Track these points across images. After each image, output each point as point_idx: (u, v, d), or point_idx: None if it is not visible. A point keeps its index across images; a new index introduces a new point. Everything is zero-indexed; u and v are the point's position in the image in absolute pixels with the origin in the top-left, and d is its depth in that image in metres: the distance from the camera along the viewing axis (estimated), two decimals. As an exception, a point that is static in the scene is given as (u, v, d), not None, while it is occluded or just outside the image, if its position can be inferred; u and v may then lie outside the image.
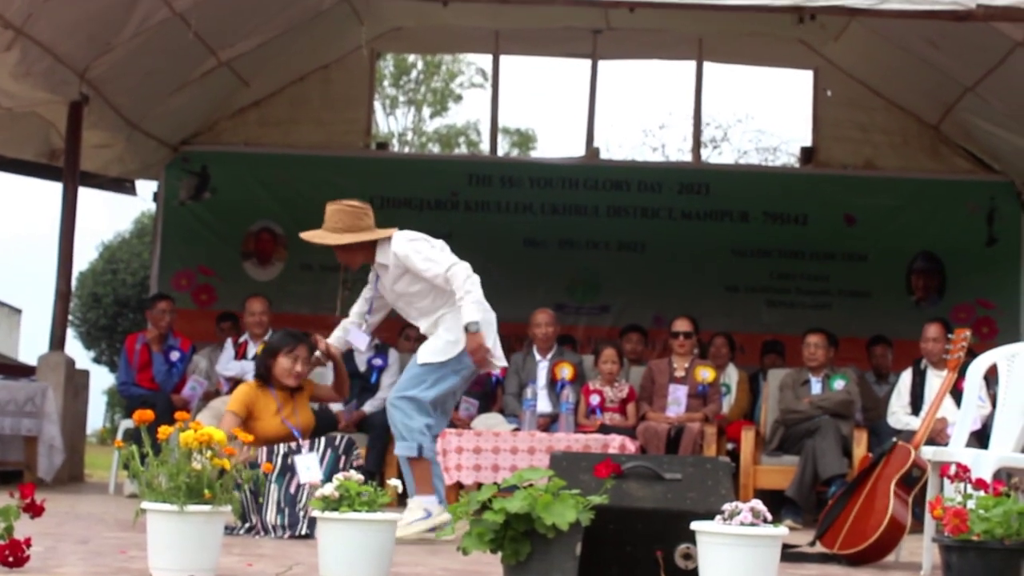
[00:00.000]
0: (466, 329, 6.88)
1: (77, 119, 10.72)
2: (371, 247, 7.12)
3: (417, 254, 6.99)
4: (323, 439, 7.19)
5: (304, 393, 7.46)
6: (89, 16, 9.90)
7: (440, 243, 7.13)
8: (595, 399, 9.78)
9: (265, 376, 7.37)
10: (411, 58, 34.39)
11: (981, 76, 11.32)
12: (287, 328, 8.07)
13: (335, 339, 7.47)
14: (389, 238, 7.08)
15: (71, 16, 9.70)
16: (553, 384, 9.93)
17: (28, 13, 9.18)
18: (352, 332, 7.46)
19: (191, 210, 13.51)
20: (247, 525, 6.90)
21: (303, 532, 6.75)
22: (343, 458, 7.01)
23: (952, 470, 5.06)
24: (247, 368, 10.21)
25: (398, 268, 7.04)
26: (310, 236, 7.20)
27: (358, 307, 7.49)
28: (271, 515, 6.89)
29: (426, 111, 36.64)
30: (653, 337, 12.22)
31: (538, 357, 10.14)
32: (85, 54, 10.30)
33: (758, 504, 4.44)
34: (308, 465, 6.98)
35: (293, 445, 7.08)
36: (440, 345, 7.00)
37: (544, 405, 9.76)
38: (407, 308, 7.21)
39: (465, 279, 6.91)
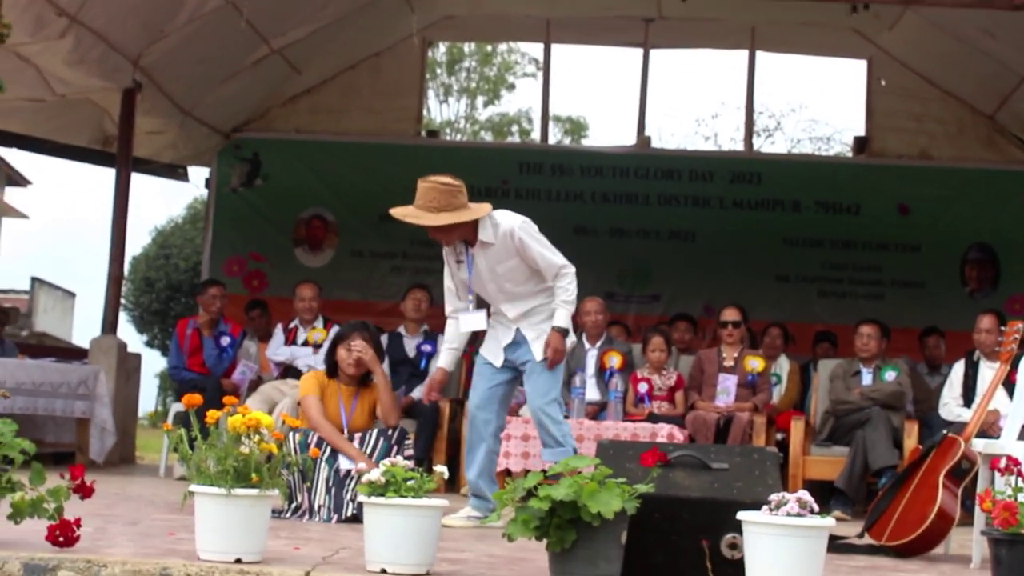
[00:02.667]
0: (556, 329, 6.88)
1: (130, 106, 10.80)
2: (471, 224, 6.93)
3: (535, 240, 6.91)
4: (375, 430, 7.21)
5: (369, 394, 7.41)
6: (142, 3, 9.98)
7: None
8: (643, 387, 9.76)
9: (331, 368, 7.40)
10: (465, 47, 34.43)
11: (1038, 66, 11.22)
12: (355, 320, 7.94)
13: (448, 363, 7.29)
14: (490, 215, 6.94)
15: (124, 4, 9.77)
16: (602, 372, 9.92)
17: (82, 1, 9.25)
18: (464, 318, 7.20)
19: (243, 196, 13.58)
20: (293, 505, 6.94)
21: (348, 515, 6.77)
22: (395, 447, 7.03)
23: (1003, 463, 5.02)
24: (297, 353, 10.28)
25: (506, 249, 6.91)
26: (403, 214, 7.02)
27: (468, 317, 7.18)
28: (319, 496, 6.93)
29: (479, 100, 36.68)
30: (703, 326, 12.18)
31: (587, 345, 10.12)
32: (138, 41, 10.37)
33: (805, 495, 4.41)
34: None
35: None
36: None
37: (593, 393, 9.74)
38: (498, 292, 7.02)
39: (573, 281, 6.93)
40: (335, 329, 10.25)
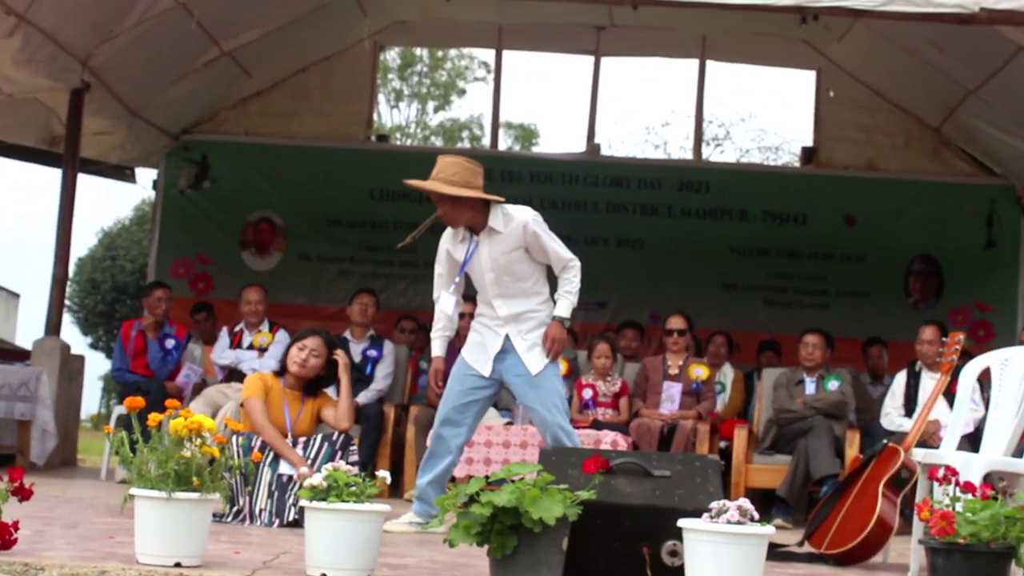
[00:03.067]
0: (557, 319, 6.83)
1: (78, 106, 10.72)
2: (482, 209, 6.84)
3: (547, 234, 6.84)
4: (320, 434, 7.19)
5: (316, 403, 7.39)
6: (92, 3, 9.91)
7: None
8: (588, 393, 9.78)
9: (281, 367, 7.39)
10: (417, 52, 34.41)
11: (984, 79, 11.31)
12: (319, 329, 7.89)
13: (443, 351, 7.13)
14: (502, 204, 6.87)
15: (74, 3, 9.70)
16: (547, 379, 9.90)
17: (31, 0, 9.18)
18: (443, 297, 7.05)
19: (190, 199, 13.51)
20: (235, 509, 6.92)
21: (289, 519, 6.76)
22: (339, 452, 7.01)
23: (941, 473, 5.07)
24: (242, 357, 10.24)
25: (514, 241, 6.79)
26: (420, 184, 6.85)
27: (447, 297, 7.04)
28: (261, 500, 6.91)
29: (430, 105, 36.67)
30: (650, 334, 12.22)
31: (533, 352, 10.10)
32: (87, 41, 10.29)
33: (745, 503, 4.45)
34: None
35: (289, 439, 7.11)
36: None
37: (538, 400, 9.73)
38: (495, 284, 6.85)
39: (578, 275, 6.90)
40: (282, 334, 10.24)
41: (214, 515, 5.47)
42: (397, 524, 6.82)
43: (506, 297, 6.87)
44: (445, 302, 7.06)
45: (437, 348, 7.14)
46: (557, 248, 6.88)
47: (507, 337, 6.89)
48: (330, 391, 7.61)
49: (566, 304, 6.87)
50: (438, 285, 7.11)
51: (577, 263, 6.93)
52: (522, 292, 6.89)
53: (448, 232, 7.03)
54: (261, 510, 6.90)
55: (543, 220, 6.92)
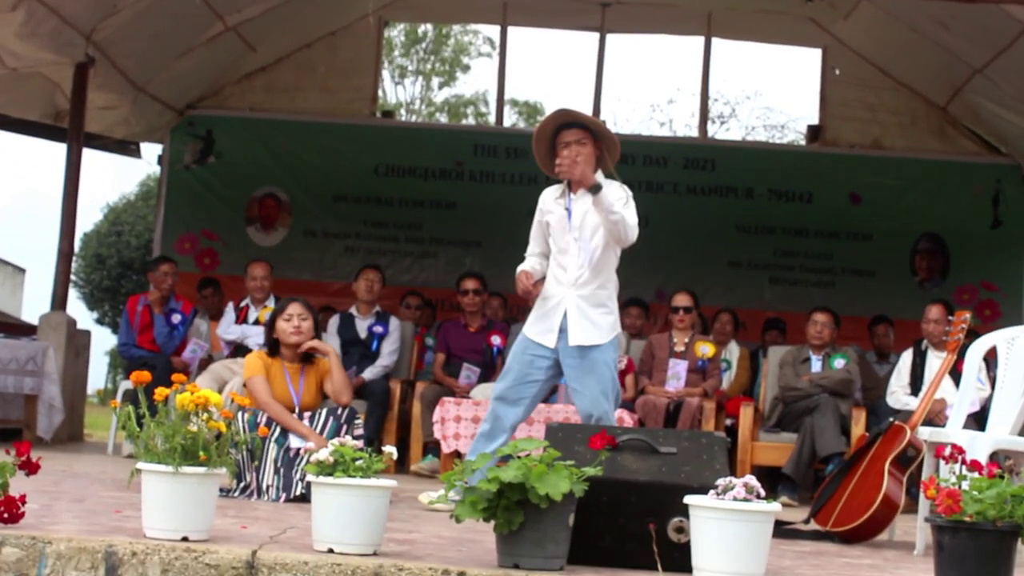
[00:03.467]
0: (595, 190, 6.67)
1: (83, 80, 10.71)
2: (593, 162, 6.79)
3: (631, 200, 6.82)
4: (324, 408, 7.20)
5: (315, 370, 7.39)
6: (96, -23, 9.89)
7: None
8: (594, 371, 9.75)
9: (273, 345, 7.37)
10: (421, 28, 34.33)
11: (990, 58, 11.28)
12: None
13: (531, 266, 6.94)
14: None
15: (78, -24, 9.69)
16: (553, 356, 9.90)
17: (35, -27, 9.18)
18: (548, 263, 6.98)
19: (195, 174, 13.50)
20: (242, 484, 6.93)
21: (296, 494, 6.77)
22: (344, 427, 7.02)
23: (947, 451, 5.07)
24: (248, 332, 10.24)
25: (603, 199, 6.67)
26: (591, 119, 6.98)
27: (539, 248, 7.02)
28: (267, 475, 6.92)
29: (435, 81, 36.61)
30: (655, 311, 12.21)
31: (539, 329, 10.11)
32: (91, 15, 10.27)
33: (752, 480, 4.45)
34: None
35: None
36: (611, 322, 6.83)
37: (544, 376, 9.72)
38: (574, 242, 6.81)
39: (633, 227, 6.84)
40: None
41: (221, 490, 5.48)
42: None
43: (579, 261, 6.85)
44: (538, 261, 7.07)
45: (524, 265, 6.99)
46: (633, 216, 6.91)
47: (565, 314, 6.78)
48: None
49: (612, 199, 6.72)
50: (533, 249, 7.13)
51: (634, 236, 6.86)
52: (597, 264, 6.88)
53: (545, 195, 7.07)
54: (268, 486, 6.91)
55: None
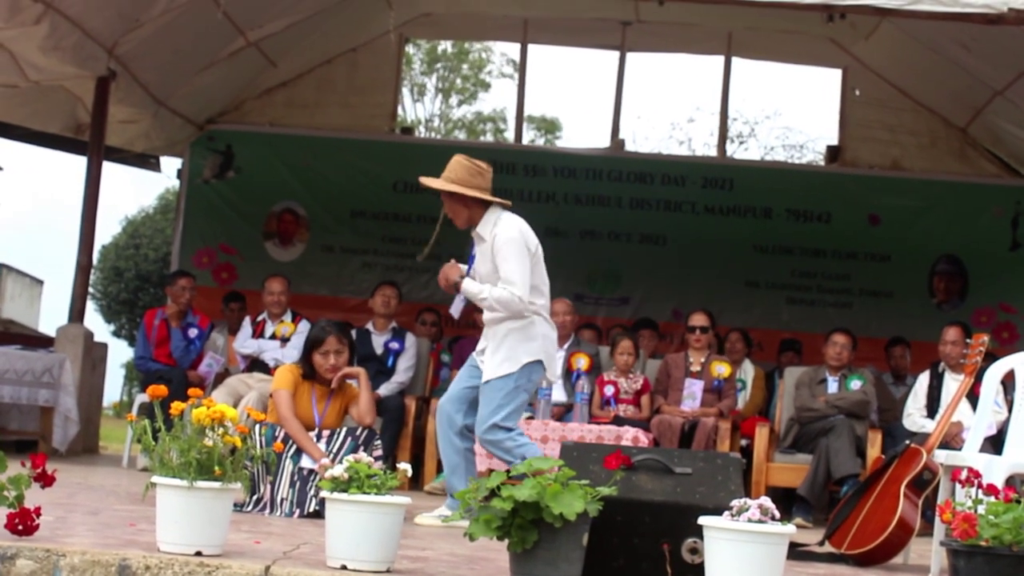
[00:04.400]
0: (462, 280, 6.99)
1: (104, 94, 10.75)
2: (478, 210, 7.00)
3: (511, 254, 6.87)
4: (344, 428, 7.20)
5: (343, 395, 7.41)
6: (118, -9, 9.93)
7: (536, 248, 7.03)
8: (609, 390, 9.77)
9: (309, 372, 7.37)
10: (441, 46, 34.38)
11: (1011, 80, 11.25)
12: (325, 320, 7.89)
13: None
14: (498, 214, 6.98)
15: (100, -9, 9.72)
16: (569, 374, 9.91)
17: (58, -13, 9.22)
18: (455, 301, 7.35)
19: (215, 188, 13.53)
20: (256, 497, 6.93)
21: (310, 511, 6.77)
22: (362, 447, 7.02)
23: (963, 475, 5.05)
24: (264, 347, 10.26)
25: (489, 252, 6.95)
26: (427, 181, 7.06)
27: None
28: (283, 489, 6.92)
29: (454, 99, 36.66)
30: (672, 331, 12.20)
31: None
32: (114, 30, 10.32)
33: (766, 501, 4.43)
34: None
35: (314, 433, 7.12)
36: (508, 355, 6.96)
37: (559, 395, 9.74)
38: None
39: (506, 301, 6.84)
40: (304, 324, 10.23)
41: (235, 504, 5.48)
42: (428, 517, 6.92)
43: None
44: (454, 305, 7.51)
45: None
46: (506, 266, 6.88)
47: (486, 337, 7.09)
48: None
49: (476, 288, 6.94)
50: None
51: (517, 291, 6.84)
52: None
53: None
54: (283, 500, 6.92)
55: (518, 239, 6.89)
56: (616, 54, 14.11)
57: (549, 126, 36.17)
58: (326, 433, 7.16)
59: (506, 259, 6.88)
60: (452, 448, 7.07)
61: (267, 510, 6.90)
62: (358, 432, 7.15)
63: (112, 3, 9.97)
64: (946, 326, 9.69)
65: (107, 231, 28.67)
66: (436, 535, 6.31)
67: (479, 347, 7.15)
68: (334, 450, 7.03)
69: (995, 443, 7.80)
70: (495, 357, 6.93)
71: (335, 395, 7.37)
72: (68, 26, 9.71)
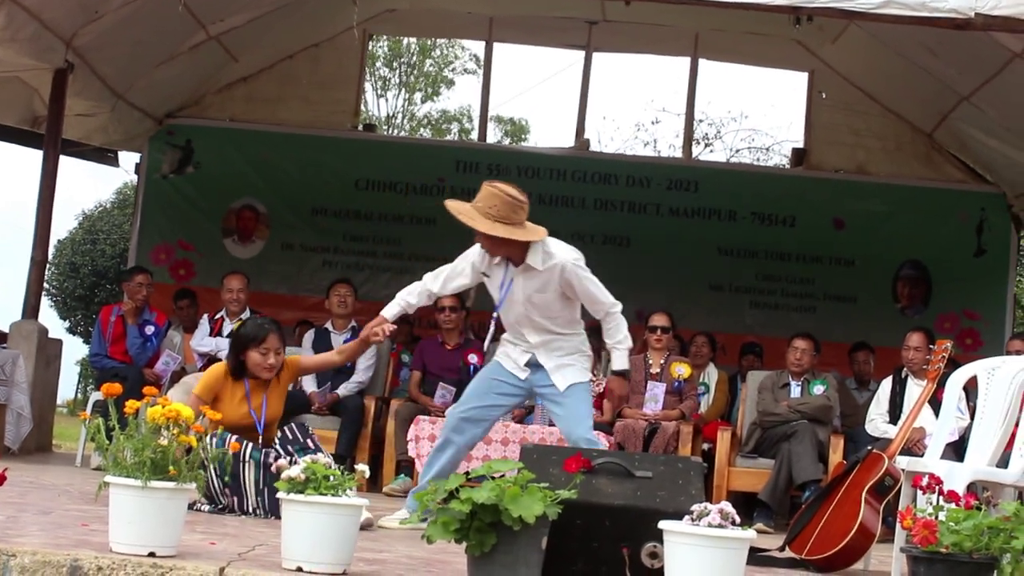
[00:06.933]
0: (618, 374, 6.86)
1: (61, 87, 10.61)
2: (521, 244, 6.60)
3: (587, 278, 6.67)
4: (279, 438, 7.02)
5: (284, 376, 7.28)
6: (78, -17, 9.81)
7: None
8: (572, 392, 9.69)
9: (238, 370, 7.16)
10: (405, 41, 34.31)
11: (977, 86, 11.27)
12: (255, 317, 7.77)
13: (391, 315, 6.90)
14: (543, 241, 6.64)
15: (59, -18, 9.60)
16: (530, 376, 9.83)
17: (14, -23, 9.09)
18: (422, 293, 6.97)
19: (173, 184, 13.41)
20: (219, 507, 6.79)
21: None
22: (304, 439, 6.91)
23: (925, 481, 5.02)
24: (222, 345, 10.15)
25: (550, 281, 6.62)
26: (458, 211, 6.57)
27: (423, 293, 6.96)
28: (251, 498, 6.77)
29: (417, 96, 36.61)
30: (635, 333, 12.12)
31: (517, 348, 10.04)
32: (72, 21, 10.19)
33: (727, 506, 4.40)
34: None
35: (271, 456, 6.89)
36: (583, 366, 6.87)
37: (520, 397, 9.66)
38: (524, 318, 6.74)
39: (623, 321, 6.79)
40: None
41: (191, 505, 5.38)
42: (390, 520, 6.80)
43: (536, 330, 6.78)
44: (418, 294, 6.95)
45: (387, 309, 6.91)
46: (596, 293, 6.72)
47: (534, 354, 6.82)
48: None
49: (623, 356, 6.82)
50: (433, 276, 6.98)
51: (619, 307, 6.78)
52: (553, 327, 6.79)
53: (478, 251, 6.85)
54: (254, 509, 6.77)
55: (581, 261, 6.72)
56: (582, 54, 14.08)
57: (515, 128, 36.14)
58: (274, 435, 6.99)
59: (592, 283, 6.70)
60: (451, 463, 6.82)
61: (236, 512, 6.76)
62: (291, 435, 6.97)
63: (71, -6, 9.86)
64: (910, 331, 9.71)
65: (63, 226, 28.40)
66: (394, 537, 6.26)
67: (512, 359, 6.88)
68: (279, 455, 6.84)
69: (957, 450, 7.80)
70: (570, 366, 6.79)
71: (272, 384, 7.20)
72: (25, 17, 9.57)
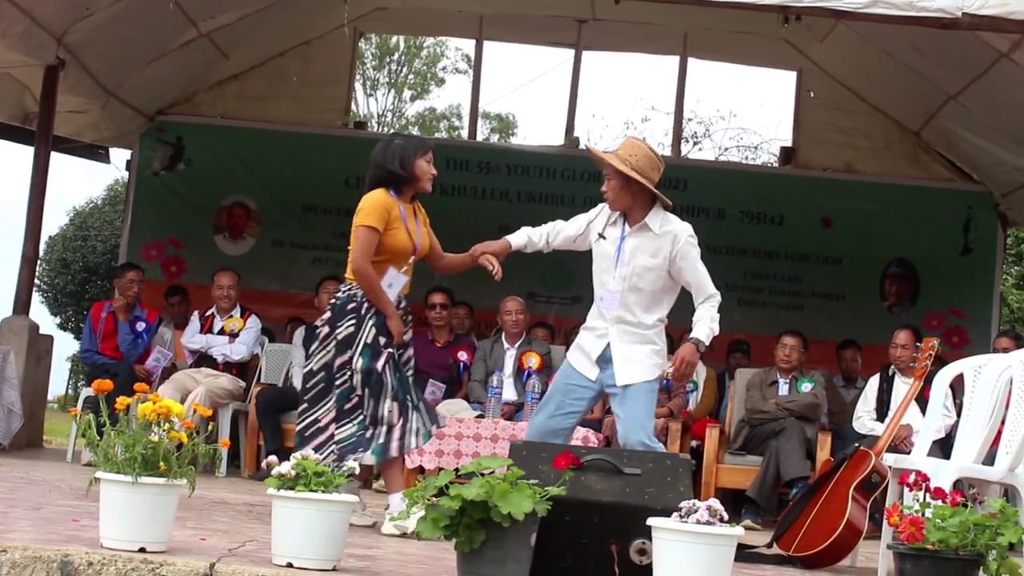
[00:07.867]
0: (694, 341, 6.59)
1: (52, 83, 10.61)
2: (644, 203, 6.55)
3: (698, 259, 6.60)
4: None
5: (421, 213, 7.00)
6: (69, -21, 9.81)
7: None
8: (561, 389, 9.71)
9: (403, 179, 6.83)
10: (394, 39, 34.29)
11: (964, 85, 11.31)
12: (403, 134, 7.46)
13: (516, 243, 7.02)
14: (668, 209, 6.61)
15: (50, -21, 9.61)
16: (520, 373, 9.87)
17: (6, -26, 9.09)
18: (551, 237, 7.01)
19: (164, 181, 13.41)
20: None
21: None
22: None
23: (911, 478, 5.05)
24: (213, 342, 10.18)
25: (661, 247, 6.51)
26: (598, 154, 6.68)
27: (552, 232, 7.01)
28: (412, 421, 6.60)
29: (407, 94, 36.60)
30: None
31: (506, 345, 10.09)
32: (63, 18, 10.19)
33: (715, 503, 4.42)
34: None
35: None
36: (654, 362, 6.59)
37: (509, 393, 9.70)
38: (620, 283, 6.53)
39: (717, 310, 6.70)
40: (253, 320, 10.18)
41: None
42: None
43: (623, 304, 6.54)
44: (540, 236, 7.05)
45: (514, 236, 7.05)
46: (702, 272, 6.66)
47: (608, 345, 6.55)
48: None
49: (705, 329, 6.59)
50: (556, 225, 7.03)
51: (719, 297, 6.71)
52: (642, 305, 6.57)
53: (596, 213, 6.82)
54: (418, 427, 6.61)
55: (696, 241, 6.64)
56: (571, 52, 14.09)
57: (505, 126, 36.14)
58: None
59: (700, 262, 6.65)
60: None
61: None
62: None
63: (62, -9, 9.86)
64: (897, 329, 9.75)
65: (54, 222, 28.37)
66: (384, 533, 6.26)
67: (584, 358, 6.65)
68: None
69: (943, 447, 7.84)
70: (636, 361, 6.52)
71: (416, 209, 6.94)
72: (16, 13, 9.57)
